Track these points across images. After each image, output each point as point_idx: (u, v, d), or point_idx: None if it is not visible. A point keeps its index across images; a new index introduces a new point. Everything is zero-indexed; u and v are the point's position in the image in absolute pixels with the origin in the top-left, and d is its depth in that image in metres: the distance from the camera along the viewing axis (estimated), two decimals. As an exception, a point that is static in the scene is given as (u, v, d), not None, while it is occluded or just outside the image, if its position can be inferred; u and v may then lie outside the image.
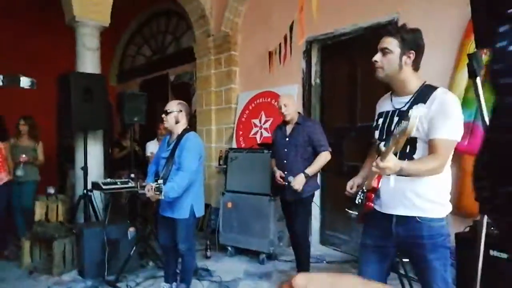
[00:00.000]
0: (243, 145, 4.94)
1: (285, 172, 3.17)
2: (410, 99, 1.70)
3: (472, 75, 1.22)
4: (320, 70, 4.51)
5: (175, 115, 2.91)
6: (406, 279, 2.65)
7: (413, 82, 1.72)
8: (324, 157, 3.12)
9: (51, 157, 7.17)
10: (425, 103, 1.62)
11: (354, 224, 3.52)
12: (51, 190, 4.30)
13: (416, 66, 1.72)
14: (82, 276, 3.54)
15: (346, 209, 1.89)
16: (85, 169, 4.16)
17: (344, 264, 3.88)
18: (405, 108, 1.70)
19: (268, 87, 4.84)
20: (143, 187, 2.93)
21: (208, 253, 4.11)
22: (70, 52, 4.67)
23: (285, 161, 3.20)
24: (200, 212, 2.95)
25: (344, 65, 4.31)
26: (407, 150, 1.67)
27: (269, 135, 4.71)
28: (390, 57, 1.69)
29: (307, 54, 4.45)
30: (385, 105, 1.86)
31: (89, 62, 4.47)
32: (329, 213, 4.45)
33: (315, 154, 3.14)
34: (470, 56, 1.24)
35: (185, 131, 2.94)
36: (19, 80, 8.01)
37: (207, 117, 5.53)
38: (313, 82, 4.49)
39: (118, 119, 7.12)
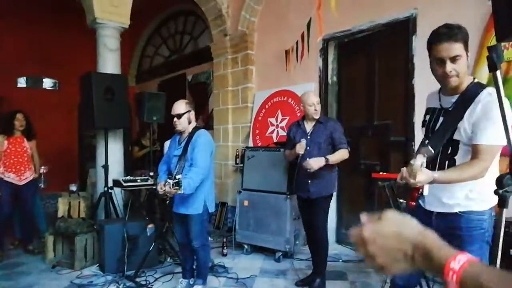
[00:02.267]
0: (259, 144, 4.96)
1: (307, 170, 3.13)
2: (458, 99, 1.66)
3: (492, 68, 1.20)
4: (337, 68, 4.49)
5: (187, 116, 2.95)
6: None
7: (464, 81, 1.66)
8: (344, 152, 3.12)
9: (73, 156, 7.38)
10: (469, 106, 1.60)
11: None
12: (73, 188, 4.42)
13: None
14: (103, 271, 3.63)
15: (397, 199, 1.95)
16: (106, 167, 4.27)
17: (360, 263, 3.85)
18: (451, 108, 1.68)
19: (284, 85, 4.85)
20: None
21: (225, 251, 4.15)
22: (91, 53, 4.80)
23: (307, 158, 3.20)
24: (212, 207, 3.01)
25: (361, 62, 4.28)
26: (449, 152, 1.68)
27: (285, 133, 4.72)
28: (462, 63, 1.61)
29: (324, 52, 4.43)
30: (433, 101, 1.82)
31: (110, 62, 4.58)
32: (345, 211, 4.42)
33: (335, 152, 3.15)
34: (490, 48, 1.21)
35: (195, 129, 2.98)
36: (42, 82, 8.28)
37: (224, 116, 5.57)
38: (329, 80, 4.47)
39: (137, 118, 7.30)
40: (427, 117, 1.81)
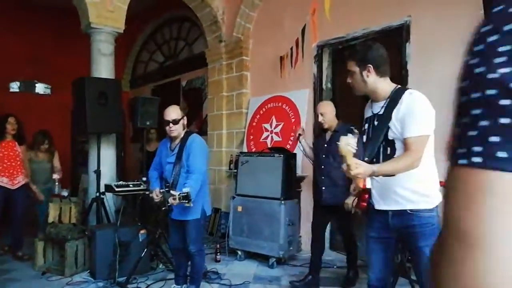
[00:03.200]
0: (253, 149, 4.95)
1: (322, 177, 3.31)
2: (385, 103, 1.89)
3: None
4: (332, 74, 4.51)
5: (182, 122, 2.93)
6: (417, 284, 2.61)
7: (384, 88, 1.92)
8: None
9: (65, 161, 7.30)
10: (395, 107, 1.83)
11: (364, 230, 3.55)
12: (65, 193, 4.37)
13: (381, 74, 1.91)
14: (94, 278, 3.57)
15: (352, 207, 2.12)
16: (98, 172, 4.23)
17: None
18: (381, 112, 1.89)
19: (279, 91, 4.86)
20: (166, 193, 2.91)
21: (218, 257, 4.11)
22: (85, 58, 4.77)
23: (322, 167, 3.33)
24: (208, 210, 3.03)
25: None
26: (388, 152, 1.87)
27: (280, 139, 4.72)
28: (355, 77, 1.94)
29: (318, 58, 4.46)
30: (367, 111, 2.05)
31: (103, 67, 4.56)
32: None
33: None
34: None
35: (187, 134, 2.96)
36: (35, 86, 8.20)
37: (218, 121, 5.57)
38: (324, 87, 4.49)
39: (130, 123, 7.25)
40: (366, 126, 2.01)
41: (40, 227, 4.40)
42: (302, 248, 4.47)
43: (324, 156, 3.31)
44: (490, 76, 0.40)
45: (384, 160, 1.86)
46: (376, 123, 1.92)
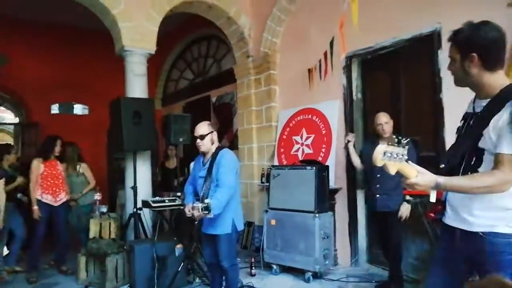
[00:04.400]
0: (284, 162, 4.95)
1: (377, 186, 3.41)
2: (488, 102, 1.54)
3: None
4: (361, 84, 4.48)
5: (210, 137, 2.98)
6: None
7: (492, 84, 1.53)
8: None
9: (102, 178, 7.58)
10: (499, 111, 1.46)
11: (403, 243, 3.48)
12: (104, 209, 4.53)
13: (489, 66, 1.52)
14: (133, 292, 3.66)
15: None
16: (135, 188, 4.36)
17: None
18: (480, 113, 1.56)
19: (308, 104, 4.86)
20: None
21: (253, 271, 4.11)
22: (119, 79, 5.00)
23: (378, 176, 3.37)
24: (240, 225, 3.01)
25: (385, 78, 4.26)
26: (473, 162, 1.54)
27: (311, 151, 4.71)
28: (456, 65, 1.61)
29: (347, 69, 4.44)
30: (469, 106, 1.71)
31: (137, 87, 4.75)
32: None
33: None
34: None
35: (218, 149, 3.01)
36: (73, 107, 8.64)
37: (249, 135, 5.63)
38: (354, 97, 4.46)
39: (163, 140, 7.46)
40: (461, 123, 1.70)
41: (82, 242, 4.58)
42: (339, 262, 4.39)
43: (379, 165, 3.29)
44: None
45: (465, 171, 1.52)
46: (471, 123, 1.59)
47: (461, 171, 1.55)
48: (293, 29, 5.17)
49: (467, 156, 1.55)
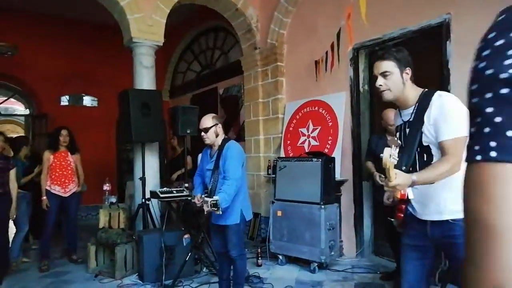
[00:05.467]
0: (291, 154, 4.97)
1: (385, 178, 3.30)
2: (414, 109, 1.81)
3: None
4: (368, 76, 4.46)
5: (214, 130, 3.00)
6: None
7: (413, 94, 1.84)
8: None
9: (111, 169, 7.70)
10: (426, 111, 1.75)
11: None
12: (113, 199, 4.61)
13: (412, 79, 1.85)
14: (142, 280, 3.75)
15: (388, 218, 1.99)
16: (143, 179, 4.43)
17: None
18: (411, 119, 1.81)
19: (315, 95, 4.86)
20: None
21: (259, 261, 4.17)
22: (128, 70, 5.04)
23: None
24: (249, 215, 3.05)
25: (393, 70, 4.23)
26: (425, 158, 1.77)
27: (317, 143, 4.72)
28: (393, 79, 1.82)
29: (354, 61, 4.42)
30: (397, 120, 1.97)
31: (145, 79, 4.79)
32: (381, 223, 4.32)
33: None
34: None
35: (224, 141, 3.03)
36: (83, 99, 8.71)
37: (255, 127, 5.65)
38: (361, 89, 4.44)
39: (171, 132, 7.52)
40: (397, 134, 1.93)
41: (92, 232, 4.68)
42: (344, 253, 4.43)
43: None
44: (502, 76, 0.44)
45: (422, 168, 1.75)
46: (407, 130, 1.84)
47: (417, 169, 1.78)
48: (300, 20, 5.14)
49: (417, 156, 1.80)
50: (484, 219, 0.43)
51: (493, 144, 0.44)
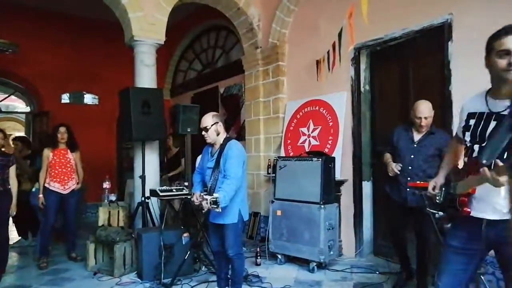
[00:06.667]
0: (291, 154, 4.96)
1: (408, 178, 3.15)
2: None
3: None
4: (370, 76, 4.45)
5: (214, 128, 3.00)
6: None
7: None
8: None
9: (112, 167, 7.69)
10: None
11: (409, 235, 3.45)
12: (113, 197, 4.61)
13: None
14: (141, 278, 3.74)
15: (427, 209, 1.92)
16: (143, 177, 4.43)
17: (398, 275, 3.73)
18: (505, 112, 1.60)
19: (316, 95, 4.85)
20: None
21: (258, 260, 4.16)
22: (129, 69, 5.03)
23: (410, 167, 3.16)
24: (246, 216, 3.05)
25: (394, 70, 4.23)
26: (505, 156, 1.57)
27: (318, 143, 4.71)
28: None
29: (356, 61, 4.41)
30: (478, 105, 1.75)
31: (146, 77, 4.78)
32: (381, 223, 4.32)
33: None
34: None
35: (226, 140, 3.02)
36: (83, 97, 8.72)
37: (256, 126, 5.64)
38: (362, 89, 4.43)
39: (172, 130, 7.52)
40: (472, 121, 1.74)
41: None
42: (344, 253, 4.42)
43: (413, 156, 3.16)
44: None
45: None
46: (495, 123, 1.64)
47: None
48: (302, 20, 5.13)
49: (507, 154, 1.57)
50: None
51: None
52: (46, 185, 4.38)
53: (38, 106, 7.95)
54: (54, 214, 4.40)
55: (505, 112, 1.61)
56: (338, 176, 4.32)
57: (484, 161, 1.55)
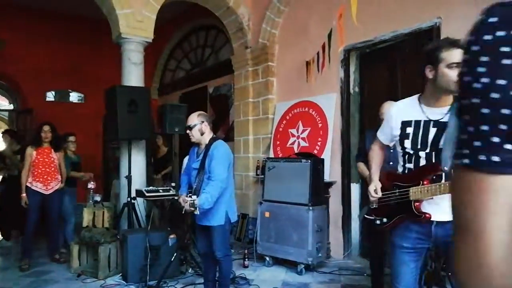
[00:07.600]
0: (280, 155, 4.94)
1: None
2: (449, 110, 1.70)
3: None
4: (359, 78, 4.46)
5: (198, 127, 2.94)
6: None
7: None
8: None
9: (97, 167, 7.55)
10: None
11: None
12: (98, 198, 4.51)
13: None
14: (126, 281, 3.67)
15: (365, 215, 2.00)
16: (129, 177, 4.34)
17: (385, 276, 3.74)
18: (445, 119, 1.69)
19: (305, 96, 4.84)
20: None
21: (246, 262, 4.12)
22: (116, 67, 4.94)
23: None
24: (234, 217, 3.00)
25: (383, 72, 4.24)
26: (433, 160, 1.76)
27: (307, 144, 4.70)
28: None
29: (345, 62, 4.42)
30: (411, 113, 1.81)
31: (134, 76, 4.70)
32: (368, 225, 4.32)
33: None
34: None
35: (212, 140, 2.97)
36: (69, 95, 8.56)
37: (245, 127, 5.60)
38: (351, 91, 4.44)
39: (159, 130, 7.42)
40: (409, 129, 1.80)
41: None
42: (332, 255, 4.41)
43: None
44: (475, 85, 0.44)
45: None
46: (434, 130, 1.73)
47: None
48: (292, 21, 5.12)
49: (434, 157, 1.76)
50: (461, 219, 0.52)
51: (466, 151, 0.47)
52: (28, 184, 4.26)
53: (21, 104, 7.76)
54: (36, 214, 4.28)
55: (445, 119, 1.69)
56: (327, 178, 4.31)
57: (445, 168, 1.63)
